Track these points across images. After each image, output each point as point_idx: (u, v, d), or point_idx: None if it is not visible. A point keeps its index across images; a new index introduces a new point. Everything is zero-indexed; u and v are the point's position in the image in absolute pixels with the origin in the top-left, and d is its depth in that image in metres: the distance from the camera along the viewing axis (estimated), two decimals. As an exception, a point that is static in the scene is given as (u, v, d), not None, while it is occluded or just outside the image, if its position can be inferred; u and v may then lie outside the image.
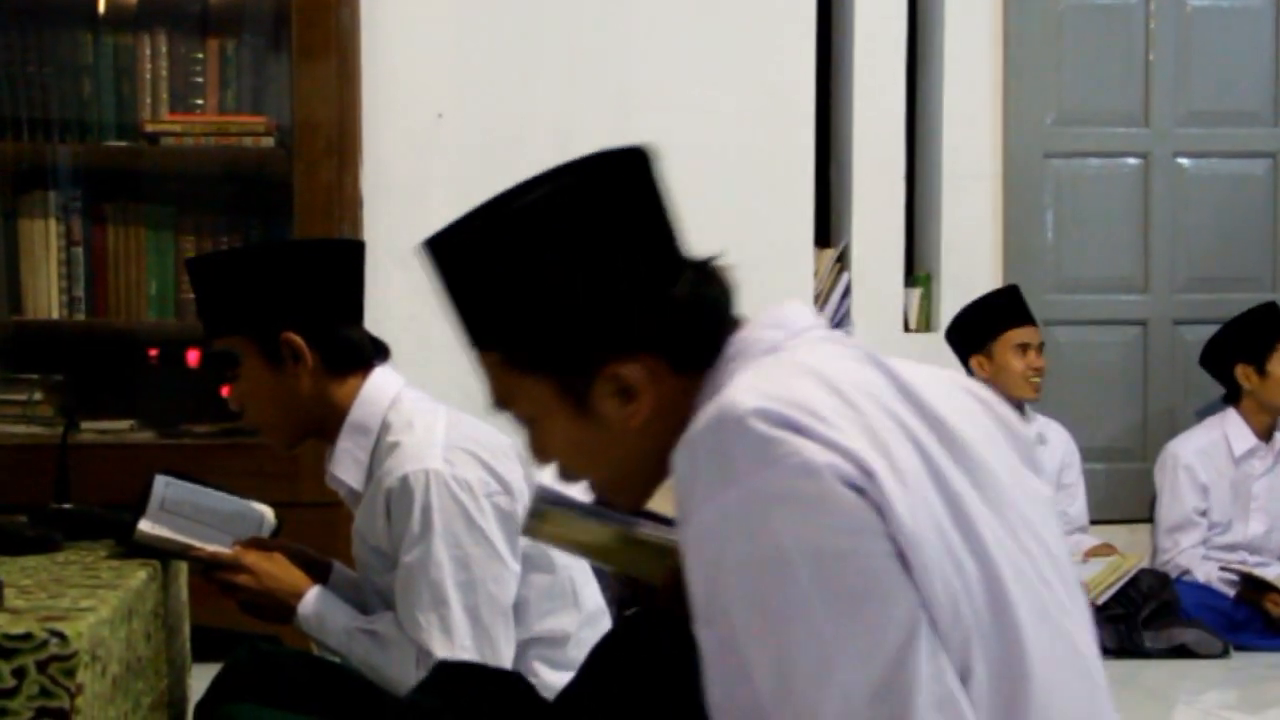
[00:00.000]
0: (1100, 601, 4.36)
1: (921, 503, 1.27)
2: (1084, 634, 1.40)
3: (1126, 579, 4.39)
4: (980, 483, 1.33)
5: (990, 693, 1.27)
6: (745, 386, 1.32)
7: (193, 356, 2.21)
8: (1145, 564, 4.62)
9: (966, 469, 1.33)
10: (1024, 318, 4.63)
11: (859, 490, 1.25)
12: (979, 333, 4.64)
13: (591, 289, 1.42)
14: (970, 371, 4.68)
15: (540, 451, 1.52)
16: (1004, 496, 1.34)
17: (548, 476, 1.75)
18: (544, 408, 1.46)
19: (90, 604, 1.58)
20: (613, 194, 1.43)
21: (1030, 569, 1.33)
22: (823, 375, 1.33)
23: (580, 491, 1.66)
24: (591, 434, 1.46)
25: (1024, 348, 4.59)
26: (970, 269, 5.02)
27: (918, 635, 1.24)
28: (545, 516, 1.69)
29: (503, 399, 1.50)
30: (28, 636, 1.40)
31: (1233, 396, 4.80)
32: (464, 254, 1.46)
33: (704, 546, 1.29)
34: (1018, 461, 1.42)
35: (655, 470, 1.46)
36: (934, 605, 1.25)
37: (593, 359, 1.43)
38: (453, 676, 1.73)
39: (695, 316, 1.44)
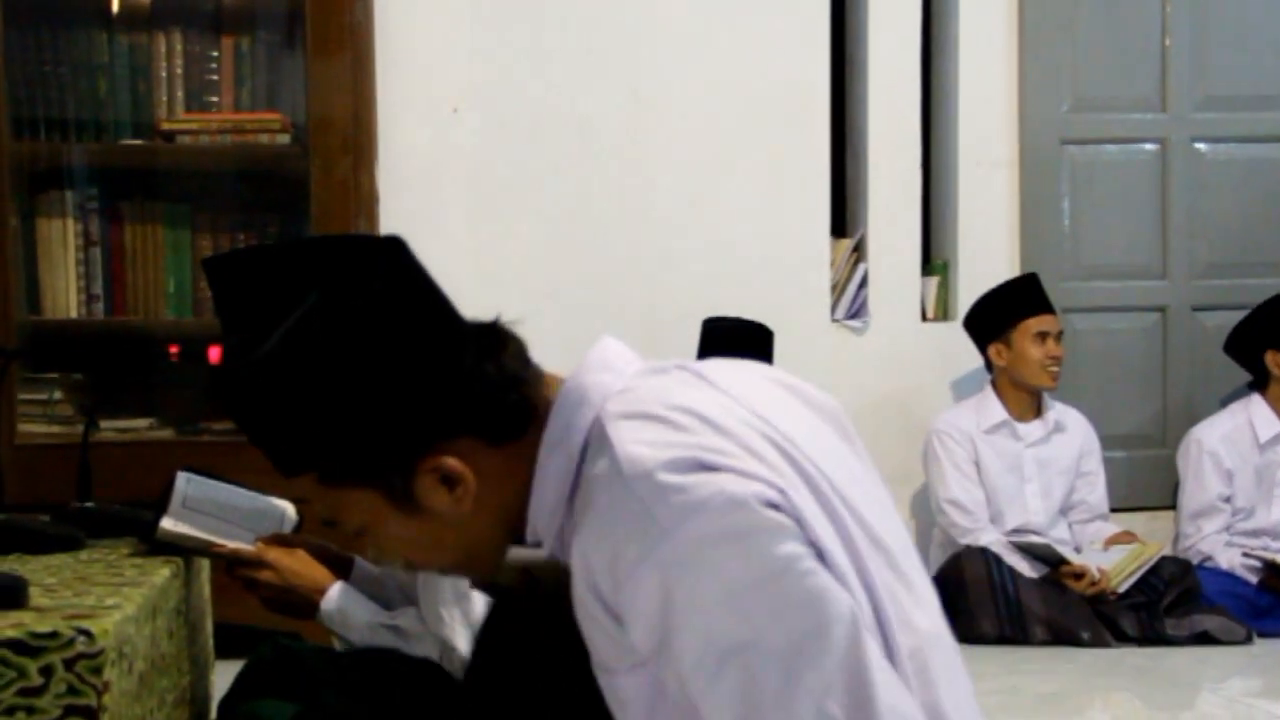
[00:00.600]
0: (1122, 589, 4.35)
1: (810, 502, 1.35)
2: (933, 605, 1.47)
3: (1148, 566, 4.38)
4: (822, 469, 1.40)
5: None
6: (631, 441, 1.35)
7: (214, 353, 2.21)
8: (1167, 551, 4.61)
9: (807, 457, 1.40)
10: (1043, 306, 4.61)
11: (777, 507, 1.31)
12: (997, 321, 4.63)
13: (385, 391, 1.40)
14: (988, 360, 4.66)
15: (384, 556, 1.52)
16: (837, 474, 1.42)
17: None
18: (374, 515, 1.46)
19: (115, 601, 1.58)
20: (379, 293, 1.41)
21: (879, 551, 1.41)
22: (688, 410, 1.38)
23: None
24: (428, 528, 1.45)
25: (1043, 336, 4.57)
26: (987, 257, 5.00)
27: (859, 624, 1.31)
28: None
29: (333, 515, 1.48)
30: (54, 635, 1.40)
31: (1260, 383, 4.78)
32: (251, 390, 1.43)
33: (647, 602, 1.31)
34: (835, 438, 1.50)
35: (503, 538, 1.49)
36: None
37: (406, 458, 1.42)
38: (368, 668, 1.72)
39: (494, 387, 1.44)
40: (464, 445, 1.43)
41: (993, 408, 4.64)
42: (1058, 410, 4.70)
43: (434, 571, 1.56)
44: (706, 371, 1.49)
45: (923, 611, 1.42)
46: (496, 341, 1.47)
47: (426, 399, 1.41)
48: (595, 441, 1.40)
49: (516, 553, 1.55)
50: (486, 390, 1.43)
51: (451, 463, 1.41)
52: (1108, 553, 4.47)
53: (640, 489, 1.32)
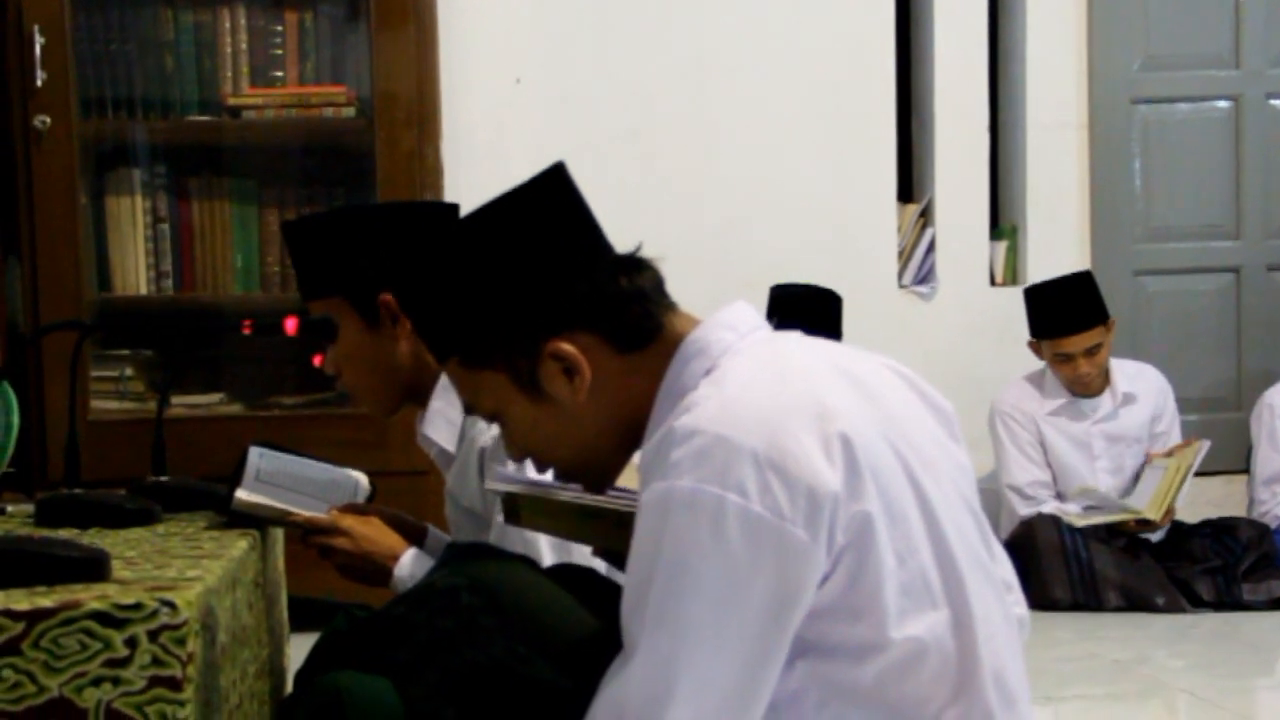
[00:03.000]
0: (1180, 503, 4.28)
1: (897, 500, 1.43)
2: (1000, 591, 1.56)
3: (1193, 469, 4.29)
4: (922, 458, 1.48)
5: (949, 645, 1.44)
6: (717, 399, 1.43)
7: (290, 325, 2.21)
8: (1208, 448, 4.47)
9: (908, 443, 1.48)
10: (1063, 329, 4.39)
11: (815, 525, 1.37)
12: (1031, 322, 4.53)
13: (524, 282, 1.55)
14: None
15: (514, 445, 1.63)
16: (937, 467, 1.51)
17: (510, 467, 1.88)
18: (504, 399, 1.58)
19: (196, 573, 1.59)
20: (537, 202, 1.57)
21: (963, 533, 1.50)
22: (792, 393, 1.44)
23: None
24: (549, 416, 1.57)
25: (1066, 357, 4.43)
26: (1056, 221, 4.95)
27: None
28: (520, 503, 1.78)
29: (470, 400, 1.64)
30: (138, 606, 1.41)
31: (1336, 343, 4.70)
32: (418, 277, 1.60)
33: (642, 532, 1.41)
34: (944, 435, 1.57)
35: (615, 450, 1.60)
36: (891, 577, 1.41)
37: (533, 341, 1.54)
38: (468, 557, 1.78)
39: (623, 294, 1.56)
40: (587, 341, 1.54)
41: (1055, 388, 4.55)
42: (1128, 377, 4.57)
43: (557, 470, 1.64)
44: (815, 341, 1.57)
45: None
46: (634, 263, 1.58)
47: (560, 287, 1.54)
48: (699, 390, 1.48)
49: None
50: (615, 294, 1.55)
51: (569, 349, 1.53)
52: (1138, 494, 4.39)
53: (701, 440, 1.39)
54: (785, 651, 1.40)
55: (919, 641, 1.42)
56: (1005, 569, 1.62)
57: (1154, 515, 4.28)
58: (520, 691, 1.54)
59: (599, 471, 1.63)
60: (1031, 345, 4.53)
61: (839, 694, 1.42)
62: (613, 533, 1.67)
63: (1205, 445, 4.41)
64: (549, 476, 1.73)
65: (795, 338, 1.58)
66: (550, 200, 1.57)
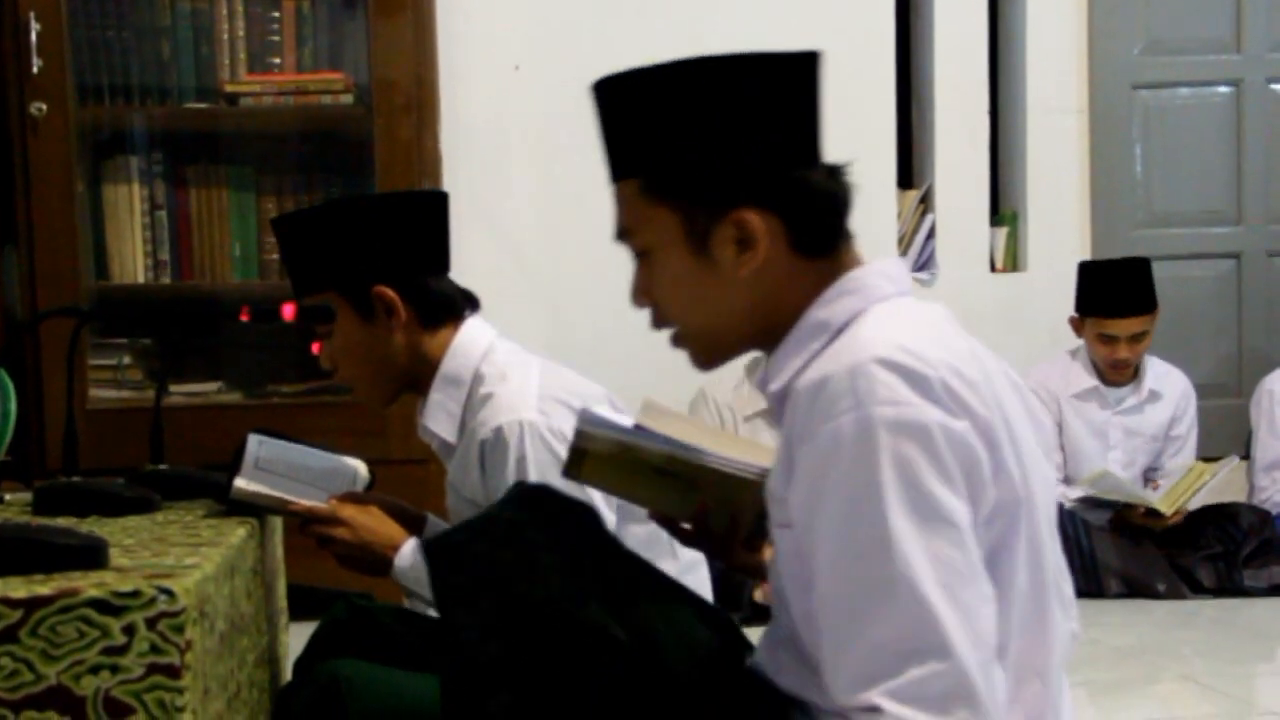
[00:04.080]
0: (1193, 506, 4.27)
1: (1014, 464, 1.43)
2: (1069, 607, 1.55)
3: (1214, 479, 4.29)
4: (1028, 465, 1.47)
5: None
6: (880, 340, 1.41)
7: (288, 310, 2.21)
8: (1233, 459, 4.48)
9: (1021, 449, 1.46)
10: (1114, 310, 4.39)
11: (973, 452, 1.38)
12: (1079, 297, 4.51)
13: (742, 138, 1.50)
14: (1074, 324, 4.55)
15: (644, 290, 1.59)
16: (1038, 476, 1.49)
17: (604, 410, 1.82)
18: (664, 239, 1.54)
19: (194, 561, 1.58)
20: (781, 72, 1.54)
21: (1055, 542, 1.52)
22: (942, 350, 1.43)
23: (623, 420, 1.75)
24: (700, 275, 1.54)
25: (1108, 339, 4.43)
26: (1057, 207, 4.94)
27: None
28: (587, 450, 1.75)
29: (628, 227, 1.58)
30: (136, 594, 1.40)
31: (1337, 329, 4.69)
32: (640, 84, 1.53)
33: (811, 463, 1.39)
34: (1040, 450, 1.55)
35: (741, 338, 1.58)
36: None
37: (726, 199, 1.51)
38: (533, 496, 1.74)
39: (821, 200, 1.53)
40: (774, 225, 1.51)
41: (1084, 372, 4.54)
42: (1156, 375, 4.57)
43: (676, 332, 1.60)
44: (975, 344, 1.54)
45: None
46: (837, 174, 1.56)
47: (770, 164, 1.51)
48: (851, 330, 1.48)
49: None
50: (820, 193, 1.53)
51: (758, 223, 1.50)
52: (1161, 485, 4.40)
53: (869, 370, 1.38)
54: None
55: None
56: (1068, 585, 1.61)
57: (1165, 509, 4.27)
58: (571, 633, 1.50)
59: (714, 349, 1.60)
60: (1073, 321, 4.52)
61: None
62: (680, 495, 1.69)
63: (1234, 461, 4.43)
64: (627, 423, 1.72)
65: (941, 309, 1.57)
66: (803, 77, 1.55)
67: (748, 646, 1.67)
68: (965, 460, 1.37)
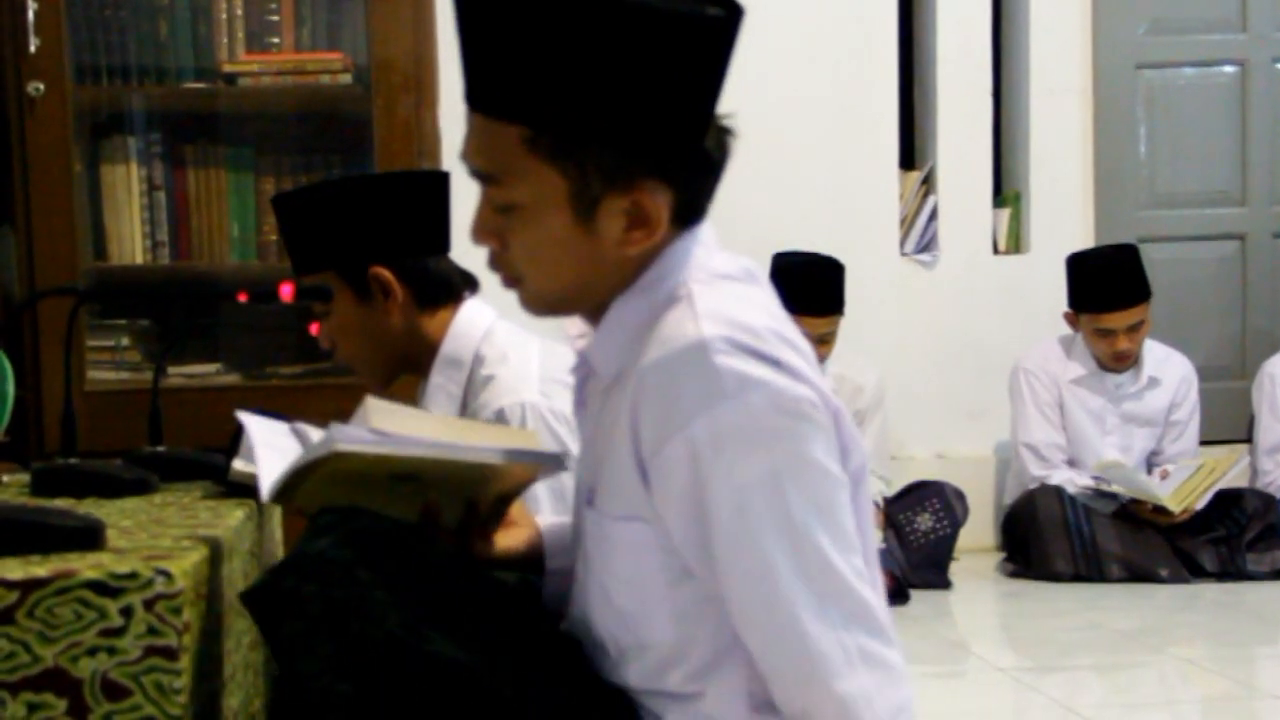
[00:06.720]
0: (1199, 505, 4.26)
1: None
2: None
3: (1223, 479, 4.28)
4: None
5: None
6: (714, 313, 1.37)
7: (286, 291, 2.19)
8: (1244, 460, 4.48)
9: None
10: (1106, 304, 4.36)
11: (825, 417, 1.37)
12: (1070, 292, 4.49)
13: (650, 101, 1.35)
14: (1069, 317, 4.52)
15: (494, 234, 1.45)
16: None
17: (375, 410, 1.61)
18: (542, 200, 1.40)
19: (192, 543, 1.56)
20: (703, 32, 1.38)
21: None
22: (766, 318, 1.40)
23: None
24: (574, 243, 1.41)
25: (1105, 333, 4.40)
26: (1060, 187, 4.92)
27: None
28: (320, 471, 1.58)
29: (494, 175, 1.41)
30: (134, 575, 1.38)
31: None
32: (548, 11, 1.33)
33: (679, 466, 1.34)
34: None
35: (595, 302, 1.46)
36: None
37: (625, 171, 1.38)
38: (355, 531, 1.54)
39: (714, 171, 1.44)
40: (667, 198, 1.40)
41: (1083, 356, 4.52)
42: (1156, 360, 4.54)
43: (526, 290, 1.48)
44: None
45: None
46: (723, 136, 1.46)
47: (679, 125, 1.38)
48: (683, 301, 1.40)
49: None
50: (714, 164, 1.44)
51: (657, 205, 1.39)
52: (1167, 481, 4.37)
53: (715, 348, 1.33)
54: None
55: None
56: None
57: (1174, 506, 4.25)
58: (419, 667, 1.43)
59: (554, 308, 1.49)
60: (1068, 316, 4.49)
61: None
62: (408, 500, 1.58)
63: (1244, 461, 4.43)
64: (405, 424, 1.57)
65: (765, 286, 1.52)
66: (723, 38, 1.40)
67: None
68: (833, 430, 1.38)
